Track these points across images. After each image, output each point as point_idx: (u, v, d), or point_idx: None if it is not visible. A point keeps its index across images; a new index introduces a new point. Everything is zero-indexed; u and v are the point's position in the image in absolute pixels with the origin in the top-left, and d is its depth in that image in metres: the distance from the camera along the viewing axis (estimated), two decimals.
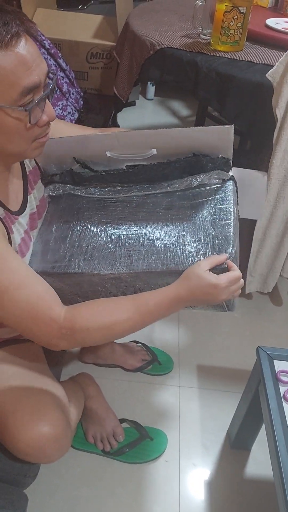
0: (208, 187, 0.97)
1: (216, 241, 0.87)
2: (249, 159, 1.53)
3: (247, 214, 1.12)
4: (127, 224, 0.94)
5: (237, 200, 1.01)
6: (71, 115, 1.87)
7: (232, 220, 0.90)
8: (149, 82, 3.46)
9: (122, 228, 0.93)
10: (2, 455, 0.96)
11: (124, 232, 0.93)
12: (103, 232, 0.93)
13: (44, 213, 1.00)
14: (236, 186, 1.00)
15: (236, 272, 0.83)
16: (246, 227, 1.48)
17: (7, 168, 0.83)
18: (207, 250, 0.87)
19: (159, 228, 0.92)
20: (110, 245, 0.91)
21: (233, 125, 0.89)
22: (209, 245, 0.87)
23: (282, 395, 0.99)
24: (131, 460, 1.27)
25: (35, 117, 0.72)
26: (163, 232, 0.91)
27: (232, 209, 0.92)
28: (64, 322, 0.78)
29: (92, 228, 0.95)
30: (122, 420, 1.34)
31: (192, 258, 0.86)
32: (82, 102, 2.00)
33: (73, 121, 1.88)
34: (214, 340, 1.65)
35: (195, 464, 1.30)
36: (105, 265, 0.88)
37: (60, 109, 1.80)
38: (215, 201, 0.94)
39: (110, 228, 0.94)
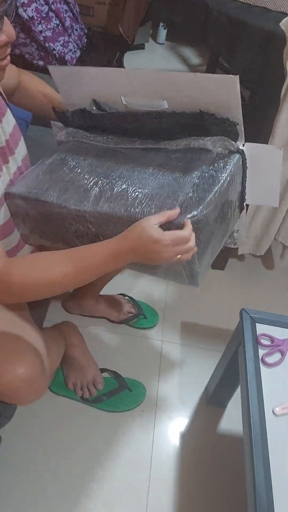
0: (209, 155, 0.90)
1: (187, 202, 0.81)
2: (256, 115, 1.46)
3: (262, 200, 1.03)
4: (114, 172, 0.92)
5: (245, 180, 0.95)
6: (72, 53, 1.76)
7: (217, 187, 0.83)
8: (160, 25, 3.26)
9: (108, 175, 0.91)
10: None
11: (107, 179, 0.90)
12: (89, 175, 0.92)
13: (16, 149, 0.94)
14: (245, 165, 0.94)
15: (184, 232, 0.76)
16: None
17: None
18: (173, 207, 0.81)
19: (141, 181, 0.88)
20: (88, 186, 0.89)
21: (238, 76, 0.83)
22: (177, 203, 0.82)
23: (260, 358, 0.99)
24: (108, 409, 1.30)
25: None
26: (141, 185, 0.87)
27: (223, 178, 0.85)
28: (0, 276, 0.76)
29: (79, 170, 0.94)
30: (103, 370, 1.35)
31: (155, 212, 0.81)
32: (85, 40, 1.88)
33: (74, 60, 1.77)
34: (202, 299, 1.65)
35: (170, 416, 1.33)
36: (74, 201, 0.87)
37: (61, 45, 1.70)
38: (210, 168, 0.88)
39: (97, 173, 0.92)
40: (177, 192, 0.83)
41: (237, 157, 0.91)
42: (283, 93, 1.21)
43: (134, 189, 0.86)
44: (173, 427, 1.31)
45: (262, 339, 1.03)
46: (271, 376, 0.97)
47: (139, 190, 0.86)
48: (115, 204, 0.84)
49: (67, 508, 1.13)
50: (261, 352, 1.01)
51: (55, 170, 0.95)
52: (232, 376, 1.20)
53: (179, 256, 0.77)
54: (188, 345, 1.51)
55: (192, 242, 0.77)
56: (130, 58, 2.95)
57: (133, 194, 0.85)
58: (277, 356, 1.00)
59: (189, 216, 0.79)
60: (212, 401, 1.35)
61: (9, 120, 0.90)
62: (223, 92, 0.86)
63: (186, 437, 1.29)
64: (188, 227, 0.77)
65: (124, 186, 0.88)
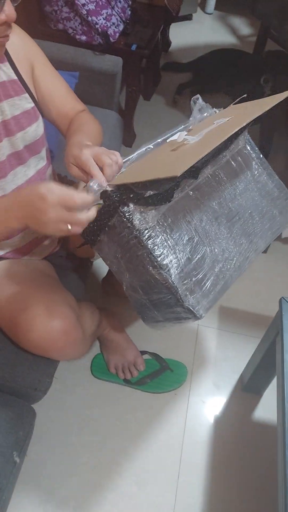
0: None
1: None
2: None
3: None
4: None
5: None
6: (115, 26, 1.71)
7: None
8: None
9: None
10: (13, 366, 1.00)
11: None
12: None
13: (19, 133, 0.91)
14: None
15: (75, 194, 0.65)
16: None
17: None
18: None
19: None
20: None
21: None
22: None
23: None
24: (152, 390, 1.31)
25: None
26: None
27: None
28: None
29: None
30: (143, 352, 1.36)
31: None
32: (129, 13, 1.82)
33: (117, 34, 1.73)
34: (242, 283, 1.60)
35: (204, 401, 1.32)
36: None
37: (104, 19, 1.65)
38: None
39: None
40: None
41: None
42: None
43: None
44: (206, 411, 1.30)
45: None
46: None
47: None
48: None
49: (99, 482, 1.16)
50: None
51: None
52: (270, 364, 1.17)
53: (68, 226, 0.67)
54: (225, 330, 1.48)
55: (82, 215, 0.67)
56: (176, 29, 2.85)
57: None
58: None
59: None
60: (248, 388, 1.32)
61: (16, 104, 0.89)
62: None
63: (219, 422, 1.28)
64: (85, 197, 0.67)
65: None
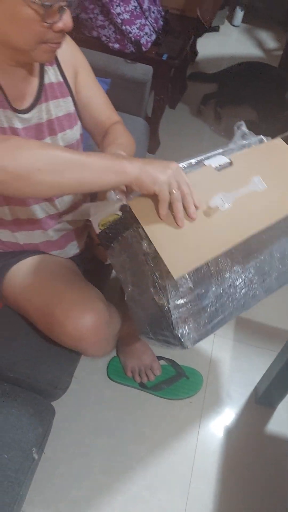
0: None
1: None
2: None
3: None
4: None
5: None
6: (148, 36, 1.74)
7: None
8: (237, 6, 3.14)
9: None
10: (35, 363, 1.02)
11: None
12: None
13: (60, 134, 0.93)
14: None
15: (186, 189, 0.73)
16: None
17: (17, 64, 0.82)
18: None
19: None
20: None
21: None
22: None
23: None
24: (167, 396, 1.32)
25: (51, 18, 0.72)
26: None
27: None
28: None
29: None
30: (159, 358, 1.37)
31: None
32: (162, 23, 1.85)
33: (149, 43, 1.75)
34: None
35: (217, 411, 1.33)
36: None
37: (137, 28, 1.68)
38: None
39: None
40: None
41: None
42: None
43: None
44: (220, 421, 1.31)
45: None
46: None
47: None
48: None
49: (111, 485, 1.17)
50: None
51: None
52: (286, 377, 1.18)
53: (175, 186, 0.72)
54: (241, 342, 1.49)
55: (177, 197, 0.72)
56: (203, 41, 2.87)
57: None
58: None
59: None
60: (262, 400, 1.33)
61: (60, 105, 0.92)
62: None
63: (231, 433, 1.29)
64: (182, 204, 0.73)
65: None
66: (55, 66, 0.91)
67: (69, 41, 0.94)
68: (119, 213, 0.77)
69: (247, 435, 1.29)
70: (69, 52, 0.94)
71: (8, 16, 0.70)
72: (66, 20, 0.73)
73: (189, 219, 0.74)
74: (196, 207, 0.75)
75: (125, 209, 0.76)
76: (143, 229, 0.73)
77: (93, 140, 1.08)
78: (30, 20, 0.70)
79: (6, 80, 0.82)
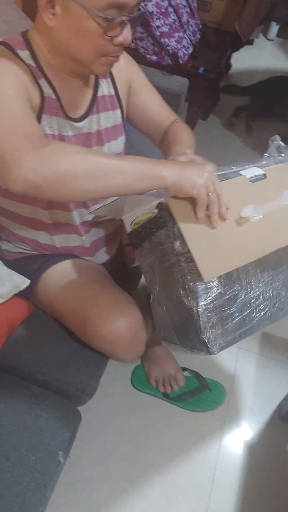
0: None
1: None
2: None
3: None
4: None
5: None
6: (185, 49, 1.76)
7: None
8: (273, 20, 3.14)
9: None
10: (64, 367, 1.03)
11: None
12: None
13: (107, 144, 0.96)
14: None
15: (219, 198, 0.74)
16: None
17: (74, 75, 0.85)
18: None
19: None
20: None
21: None
22: None
23: None
24: (190, 408, 1.32)
25: (113, 32, 0.74)
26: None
27: None
28: (36, 138, 0.70)
29: None
30: (183, 369, 1.38)
31: None
32: (199, 36, 1.87)
33: (186, 56, 1.78)
34: None
35: (240, 425, 1.32)
36: None
37: (175, 41, 1.71)
38: None
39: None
40: None
41: None
42: None
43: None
44: (242, 436, 1.30)
45: None
46: None
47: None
48: None
49: (130, 492, 1.17)
50: None
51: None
52: None
53: (211, 188, 0.74)
54: (266, 356, 1.48)
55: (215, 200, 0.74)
56: (237, 53, 2.87)
57: None
58: None
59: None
60: (286, 417, 1.32)
61: (109, 117, 0.95)
62: None
63: (253, 448, 1.28)
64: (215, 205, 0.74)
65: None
66: (109, 80, 0.94)
67: (125, 55, 0.97)
68: (155, 210, 0.77)
69: (270, 452, 1.28)
70: (124, 66, 0.97)
71: (74, 28, 0.73)
72: (126, 35, 0.76)
73: (221, 219, 0.76)
74: (227, 209, 0.76)
75: (162, 207, 0.76)
76: (178, 228, 0.74)
77: (152, 142, 1.11)
78: (93, 33, 0.73)
79: (64, 90, 0.85)
